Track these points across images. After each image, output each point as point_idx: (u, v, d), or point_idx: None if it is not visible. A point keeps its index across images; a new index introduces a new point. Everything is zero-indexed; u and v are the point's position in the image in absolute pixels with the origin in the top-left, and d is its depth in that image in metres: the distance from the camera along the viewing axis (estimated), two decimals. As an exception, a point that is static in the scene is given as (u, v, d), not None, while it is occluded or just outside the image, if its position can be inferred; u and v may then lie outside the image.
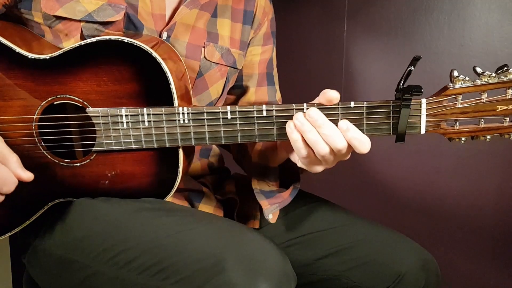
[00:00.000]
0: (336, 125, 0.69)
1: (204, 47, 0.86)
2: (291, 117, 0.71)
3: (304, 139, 0.70)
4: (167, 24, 0.83)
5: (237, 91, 0.99)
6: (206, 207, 0.90)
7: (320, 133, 0.69)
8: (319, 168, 0.74)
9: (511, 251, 1.44)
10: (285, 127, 0.71)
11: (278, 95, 1.03)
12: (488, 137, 0.74)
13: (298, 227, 0.90)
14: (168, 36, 0.82)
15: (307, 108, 0.71)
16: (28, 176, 0.69)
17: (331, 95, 0.70)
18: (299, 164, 0.76)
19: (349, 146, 0.70)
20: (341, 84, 1.58)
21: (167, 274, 0.65)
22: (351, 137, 0.69)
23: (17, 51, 0.72)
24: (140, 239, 0.69)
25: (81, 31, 0.77)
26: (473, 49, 1.39)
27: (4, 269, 1.51)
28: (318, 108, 0.70)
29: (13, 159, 0.68)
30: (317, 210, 0.92)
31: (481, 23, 1.36)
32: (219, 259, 0.63)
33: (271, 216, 0.85)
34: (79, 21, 0.77)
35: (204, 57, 0.86)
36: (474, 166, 1.44)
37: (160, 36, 0.82)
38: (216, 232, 0.69)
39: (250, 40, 0.95)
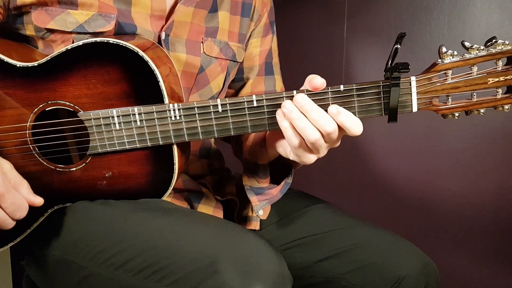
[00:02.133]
0: (326, 110, 0.69)
1: (202, 43, 0.86)
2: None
3: (294, 127, 0.69)
4: (165, 23, 0.82)
5: (237, 84, 0.99)
6: (205, 208, 0.90)
7: (309, 118, 0.68)
8: (312, 158, 0.73)
9: (511, 251, 1.43)
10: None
11: (279, 85, 1.01)
12: (482, 110, 0.73)
13: (298, 229, 0.90)
14: (167, 35, 0.82)
15: None
16: (39, 201, 0.69)
17: (316, 83, 0.69)
18: (291, 156, 0.75)
19: (340, 130, 0.69)
20: (341, 84, 1.58)
21: (162, 275, 0.65)
22: (342, 120, 0.68)
23: (5, 60, 0.73)
24: (136, 240, 0.69)
25: (73, 42, 0.77)
26: (473, 49, 1.40)
27: (5, 270, 1.52)
28: (307, 94, 0.70)
29: (25, 185, 0.68)
30: (318, 212, 0.91)
31: (481, 23, 1.35)
32: (213, 261, 0.62)
33: (262, 212, 0.85)
34: (71, 32, 0.77)
35: (204, 52, 0.86)
36: (474, 166, 1.43)
37: (159, 36, 0.82)
38: (211, 233, 0.68)
39: (251, 32, 0.95)
